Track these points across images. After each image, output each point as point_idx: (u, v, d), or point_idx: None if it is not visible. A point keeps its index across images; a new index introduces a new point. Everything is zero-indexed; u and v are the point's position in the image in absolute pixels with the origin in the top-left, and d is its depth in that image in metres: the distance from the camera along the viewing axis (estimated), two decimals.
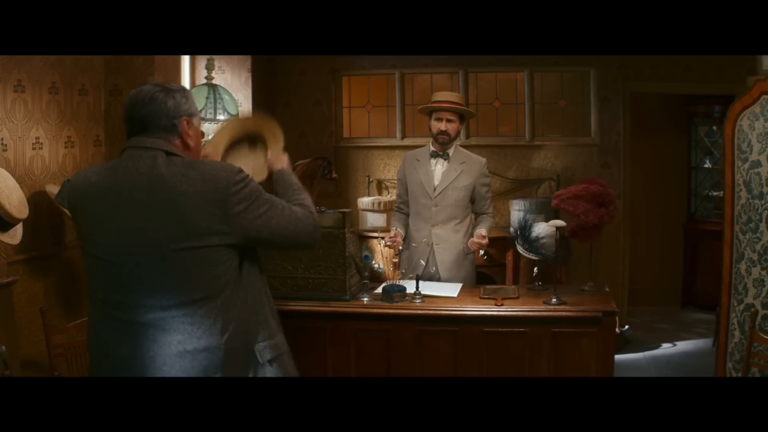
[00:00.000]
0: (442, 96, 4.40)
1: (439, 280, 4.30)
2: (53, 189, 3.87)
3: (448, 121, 4.30)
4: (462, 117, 4.40)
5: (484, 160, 4.44)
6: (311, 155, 4.12)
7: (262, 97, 6.51)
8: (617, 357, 3.75)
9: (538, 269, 4.10)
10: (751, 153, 3.41)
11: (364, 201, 6.67)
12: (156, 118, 2.31)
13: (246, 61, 6.33)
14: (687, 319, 7.26)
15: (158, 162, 2.24)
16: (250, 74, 6.31)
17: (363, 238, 6.34)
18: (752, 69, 5.51)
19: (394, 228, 4.41)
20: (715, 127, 7.43)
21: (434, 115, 4.32)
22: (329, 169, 3.92)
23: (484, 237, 4.18)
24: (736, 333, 3.45)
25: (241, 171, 2.29)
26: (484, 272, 5.82)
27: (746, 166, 3.43)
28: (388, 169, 7.05)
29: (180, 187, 2.19)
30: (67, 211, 3.79)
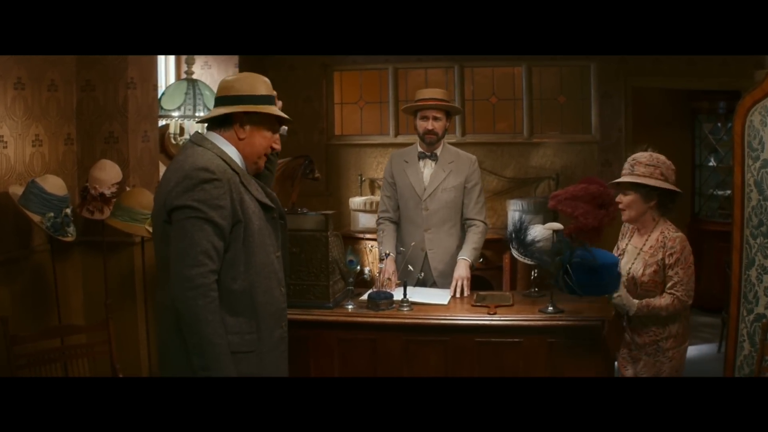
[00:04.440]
0: (426, 93, 4.16)
1: (434, 286, 4.07)
2: (17, 190, 3.66)
3: (435, 119, 4.07)
4: (449, 114, 4.17)
5: (474, 157, 4.20)
6: (301, 153, 3.88)
7: None
8: (617, 365, 3.55)
9: (537, 273, 3.88)
10: (762, 151, 3.18)
11: (356, 201, 6.47)
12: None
13: (233, 56, 6.12)
14: (692, 322, 7.01)
15: (184, 149, 2.61)
16: (237, 70, 6.11)
17: (355, 240, 6.14)
18: (759, 63, 5.32)
19: (386, 252, 4.06)
20: (720, 124, 7.22)
21: (419, 114, 4.08)
22: (311, 168, 3.69)
23: (462, 277, 3.91)
24: (746, 345, 3.22)
25: (193, 188, 2.41)
26: (479, 275, 5.61)
27: (757, 164, 3.20)
28: (380, 167, 6.85)
29: (169, 172, 2.53)
30: (29, 213, 3.58)
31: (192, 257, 2.37)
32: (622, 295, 3.16)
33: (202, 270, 2.37)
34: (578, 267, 3.11)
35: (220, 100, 2.63)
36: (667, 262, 3.15)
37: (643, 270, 3.20)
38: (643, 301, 3.16)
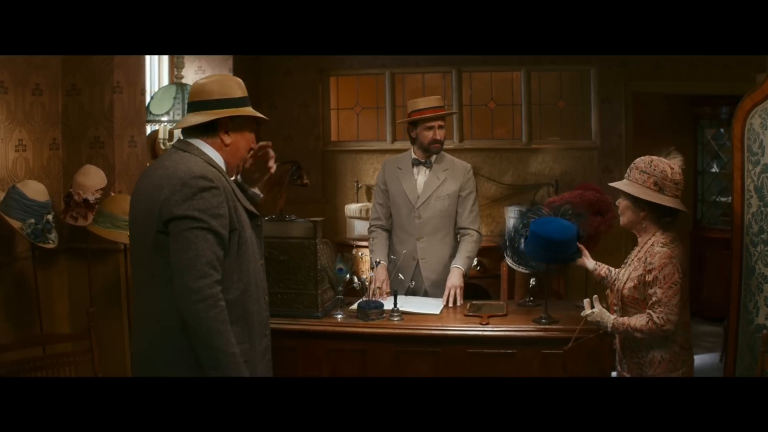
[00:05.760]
0: (426, 103, 4.02)
1: (426, 295, 3.97)
2: None
3: (440, 127, 3.98)
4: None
5: (468, 165, 4.09)
6: (295, 159, 3.79)
7: None
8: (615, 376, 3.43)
9: (535, 281, 3.76)
10: (763, 155, 3.07)
11: (352, 208, 6.37)
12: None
13: (228, 60, 6.06)
14: (693, 331, 6.85)
15: (168, 155, 2.49)
16: (231, 74, 6.01)
17: (351, 248, 6.04)
18: (761, 66, 5.21)
19: (377, 260, 3.98)
20: (722, 130, 7.11)
21: (425, 125, 3.96)
22: (299, 174, 3.60)
23: (455, 286, 3.80)
24: (746, 357, 3.10)
25: (193, 197, 2.32)
26: (476, 283, 5.50)
27: (757, 169, 3.09)
28: (377, 174, 6.74)
29: (156, 178, 2.41)
30: (9, 219, 3.49)
31: (198, 269, 2.28)
32: (596, 311, 2.92)
33: (208, 281, 2.29)
34: (533, 235, 3.20)
35: (197, 105, 2.51)
36: (646, 279, 2.81)
37: (625, 283, 2.93)
38: (619, 318, 2.89)
